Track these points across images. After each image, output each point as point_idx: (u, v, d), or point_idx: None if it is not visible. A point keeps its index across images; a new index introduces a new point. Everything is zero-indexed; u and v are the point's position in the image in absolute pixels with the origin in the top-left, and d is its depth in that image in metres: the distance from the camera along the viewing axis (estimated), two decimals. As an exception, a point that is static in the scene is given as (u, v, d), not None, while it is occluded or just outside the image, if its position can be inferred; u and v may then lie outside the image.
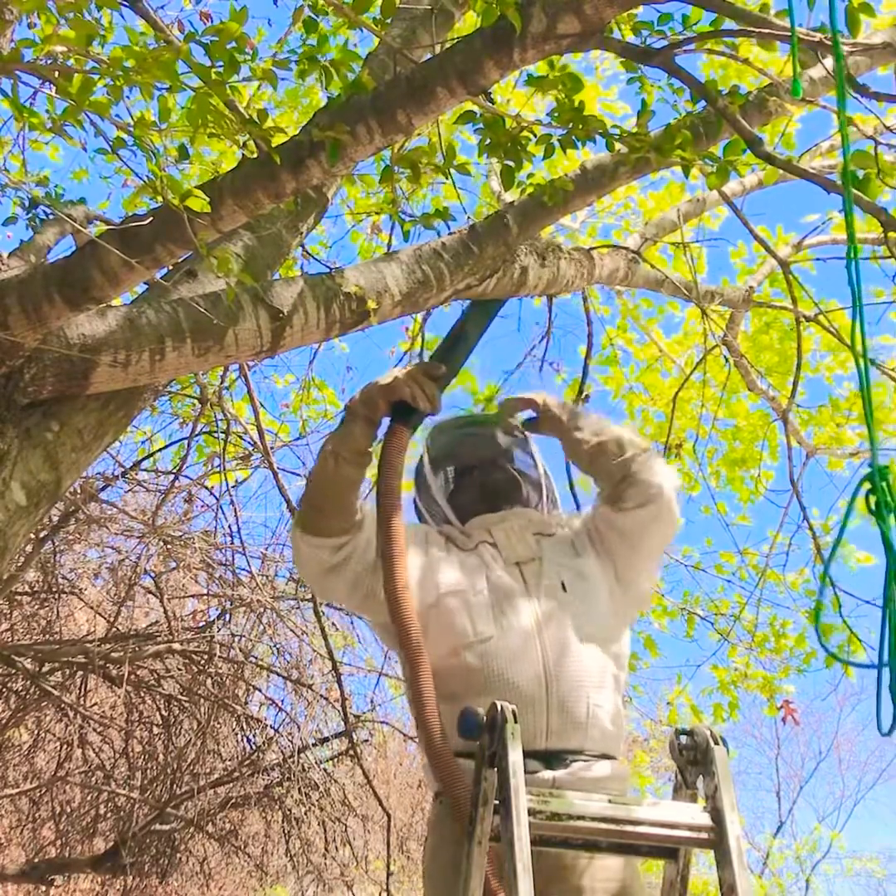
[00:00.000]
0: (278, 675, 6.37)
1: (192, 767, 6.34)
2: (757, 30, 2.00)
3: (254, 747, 6.40)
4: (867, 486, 1.60)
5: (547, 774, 1.91)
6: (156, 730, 6.50)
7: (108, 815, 6.73)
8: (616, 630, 2.16)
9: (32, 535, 4.65)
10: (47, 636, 5.94)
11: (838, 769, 20.48)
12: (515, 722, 1.61)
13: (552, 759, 1.94)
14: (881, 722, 1.55)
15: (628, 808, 1.63)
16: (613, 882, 1.93)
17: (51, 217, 2.73)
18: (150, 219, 1.94)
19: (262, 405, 4.68)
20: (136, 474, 5.77)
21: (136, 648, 5.80)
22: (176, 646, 5.86)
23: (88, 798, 6.77)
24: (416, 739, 6.74)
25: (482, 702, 1.71)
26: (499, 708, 1.63)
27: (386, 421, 2.26)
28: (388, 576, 2.03)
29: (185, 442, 5.19)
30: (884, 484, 1.58)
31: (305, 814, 6.49)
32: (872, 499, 1.59)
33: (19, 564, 4.84)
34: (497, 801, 1.59)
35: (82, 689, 6.17)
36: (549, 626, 2.04)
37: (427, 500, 2.39)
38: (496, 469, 2.36)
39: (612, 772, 2.00)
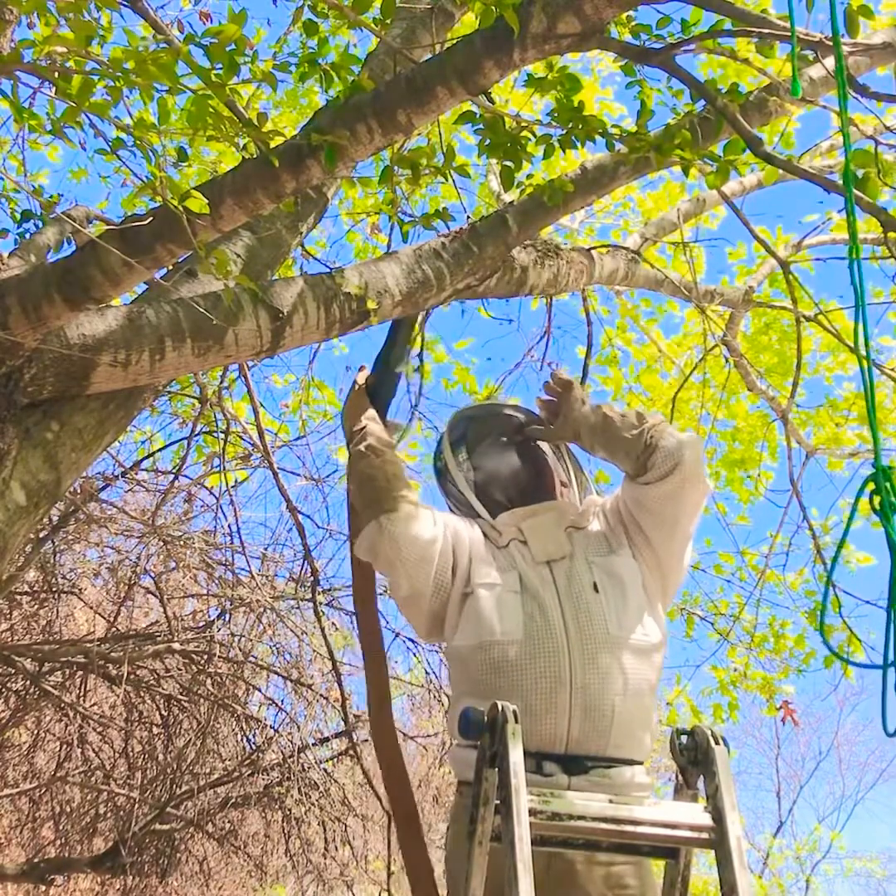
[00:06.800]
0: (278, 674, 6.36)
1: (191, 767, 6.34)
2: (757, 30, 2.00)
3: (254, 747, 6.39)
4: (871, 486, 1.59)
5: (563, 779, 1.89)
6: (155, 730, 6.49)
7: (108, 814, 6.72)
8: (649, 630, 2.07)
9: (32, 535, 4.65)
10: (47, 636, 5.94)
11: (838, 769, 20.45)
12: (516, 722, 1.61)
13: (571, 763, 1.92)
14: (887, 722, 1.55)
15: (629, 808, 1.63)
16: (626, 889, 1.91)
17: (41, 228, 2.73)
18: (150, 219, 1.94)
19: (261, 405, 4.67)
20: (136, 474, 5.76)
21: (136, 648, 5.80)
22: (176, 646, 5.86)
23: (88, 798, 6.77)
24: (413, 739, 6.72)
25: (504, 701, 1.68)
26: (500, 708, 1.63)
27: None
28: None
29: (185, 442, 5.19)
30: (887, 484, 1.58)
31: (305, 814, 6.48)
32: (877, 499, 1.58)
33: (19, 564, 4.84)
34: (498, 801, 1.59)
35: (82, 689, 6.16)
36: (576, 629, 2.00)
37: (455, 498, 2.32)
38: (519, 457, 2.28)
39: (634, 778, 1.96)
